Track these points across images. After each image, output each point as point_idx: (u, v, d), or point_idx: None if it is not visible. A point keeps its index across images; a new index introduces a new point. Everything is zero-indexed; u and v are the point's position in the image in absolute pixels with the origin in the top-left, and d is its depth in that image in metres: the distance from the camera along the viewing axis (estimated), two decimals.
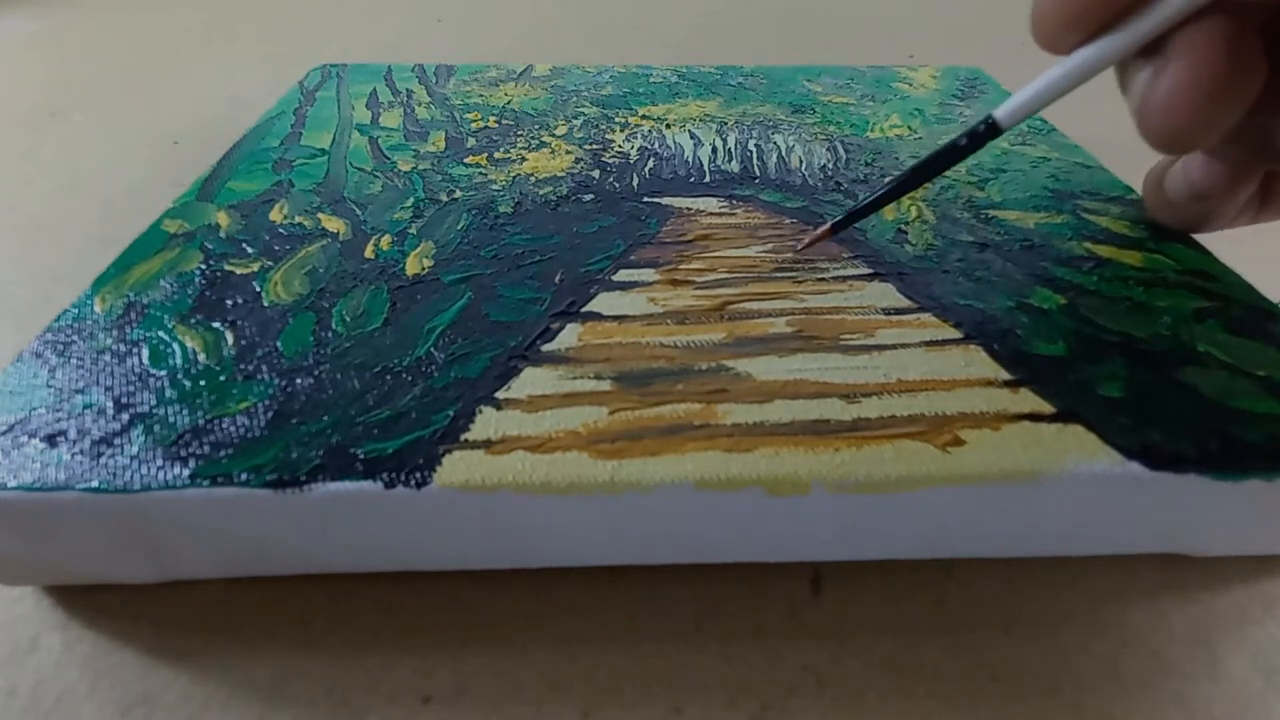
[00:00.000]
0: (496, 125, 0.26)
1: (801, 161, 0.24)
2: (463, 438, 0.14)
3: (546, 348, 0.16)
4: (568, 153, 0.24)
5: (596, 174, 0.23)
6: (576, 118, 0.27)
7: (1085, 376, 0.15)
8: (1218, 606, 0.15)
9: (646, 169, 0.23)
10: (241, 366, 0.15)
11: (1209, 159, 0.18)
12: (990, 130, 0.17)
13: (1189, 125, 0.14)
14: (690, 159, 0.24)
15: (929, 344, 0.16)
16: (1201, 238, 0.20)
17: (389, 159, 0.23)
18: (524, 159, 0.24)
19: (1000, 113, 0.16)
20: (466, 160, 0.23)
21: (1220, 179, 0.18)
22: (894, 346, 0.16)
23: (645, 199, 0.22)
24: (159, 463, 0.13)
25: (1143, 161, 0.20)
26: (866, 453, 0.13)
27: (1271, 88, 0.15)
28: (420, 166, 0.23)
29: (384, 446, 0.13)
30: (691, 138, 0.25)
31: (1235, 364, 0.16)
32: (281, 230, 0.20)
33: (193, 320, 0.16)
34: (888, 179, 0.18)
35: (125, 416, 0.14)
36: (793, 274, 0.18)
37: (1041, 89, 0.16)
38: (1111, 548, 0.15)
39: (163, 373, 0.15)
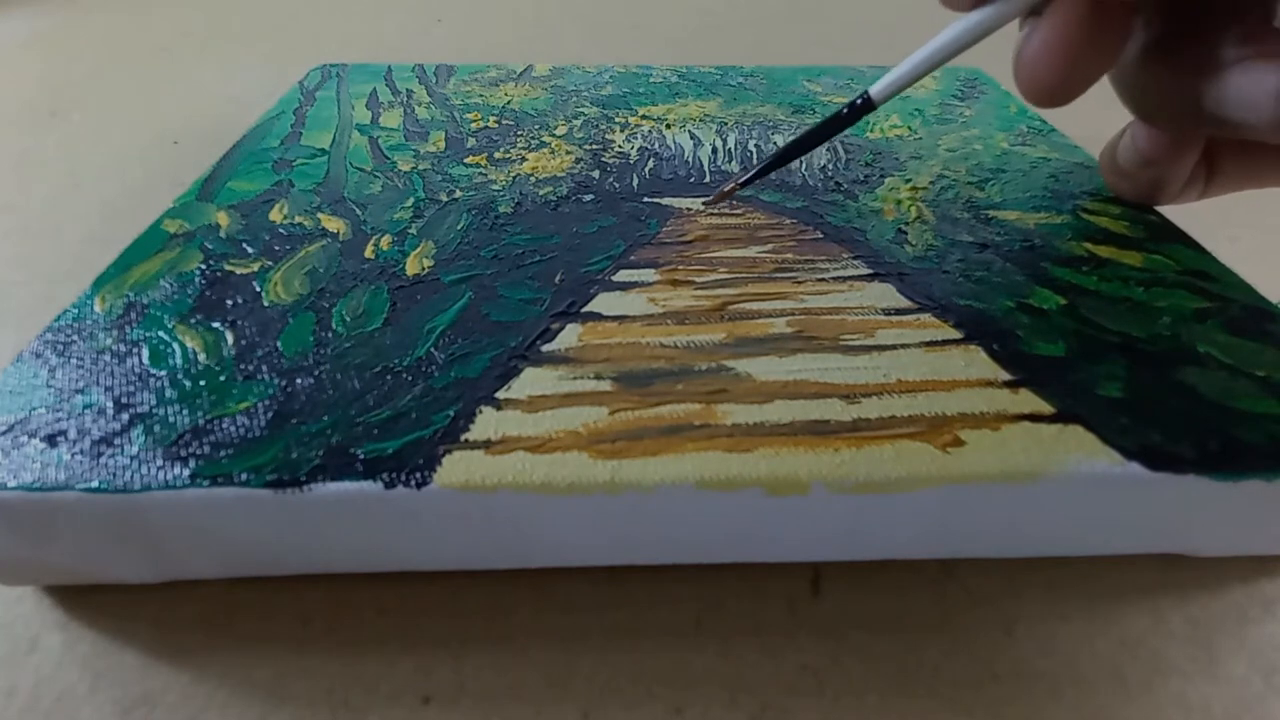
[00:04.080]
0: (496, 125, 0.26)
1: (801, 162, 0.24)
2: (463, 438, 0.14)
3: (546, 348, 0.16)
4: (568, 153, 0.24)
5: (596, 174, 0.23)
6: (576, 118, 0.27)
7: (1085, 376, 0.15)
8: (1217, 606, 0.15)
9: (646, 169, 0.23)
10: (241, 366, 0.15)
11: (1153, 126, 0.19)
12: (866, 104, 0.19)
13: (1051, 79, 0.16)
14: (690, 159, 0.24)
15: (929, 344, 0.16)
16: (1201, 238, 0.20)
17: (389, 159, 0.23)
18: (524, 159, 0.24)
19: (875, 89, 0.18)
20: (466, 160, 0.23)
21: (1163, 144, 0.19)
22: (894, 347, 0.16)
23: (645, 199, 0.22)
24: (159, 463, 0.13)
25: None
26: (866, 453, 0.13)
27: (1190, 54, 0.16)
28: (420, 166, 0.23)
29: (384, 446, 0.13)
30: (691, 138, 0.25)
31: (1235, 364, 0.16)
32: (281, 230, 0.20)
33: (193, 320, 0.16)
34: (783, 143, 0.21)
35: (125, 416, 0.14)
36: (793, 274, 0.18)
37: (911, 66, 0.18)
38: (1111, 548, 0.15)
39: (163, 373, 0.15)
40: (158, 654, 0.14)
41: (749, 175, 0.20)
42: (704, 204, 0.21)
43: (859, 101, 0.19)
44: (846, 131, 0.26)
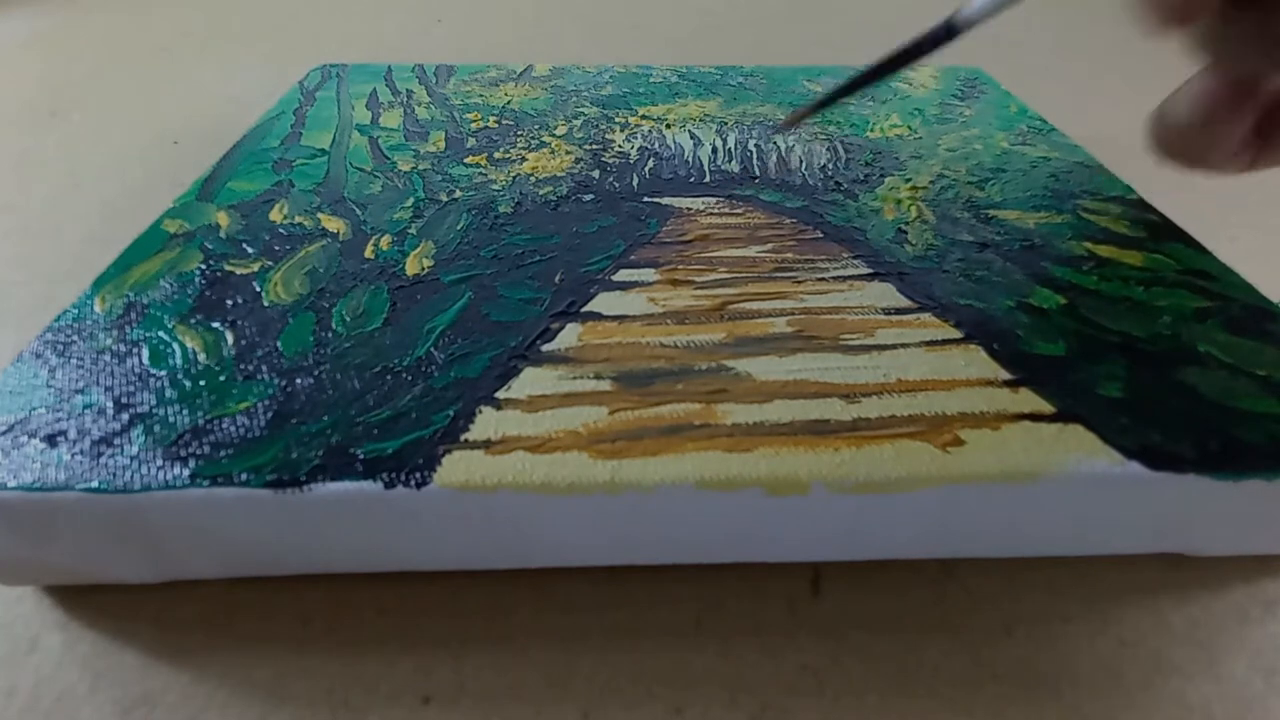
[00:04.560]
0: (496, 125, 0.26)
1: (801, 161, 0.24)
2: (463, 438, 0.14)
3: (546, 348, 0.16)
4: (568, 153, 0.24)
5: (596, 174, 0.23)
6: (576, 118, 0.27)
7: (1085, 376, 0.15)
8: (1218, 606, 0.15)
9: (646, 169, 0.23)
10: (241, 366, 0.15)
11: (1212, 77, 0.19)
12: (949, 31, 0.16)
13: None
14: (690, 159, 0.24)
15: (929, 344, 0.16)
16: (1201, 237, 0.20)
17: (389, 159, 0.23)
18: (524, 159, 0.24)
19: (959, 16, 0.16)
20: (466, 160, 0.23)
21: (1224, 98, 0.19)
22: (894, 346, 0.16)
23: (645, 199, 0.22)
24: (159, 463, 0.13)
25: (1142, 161, 0.20)
26: (866, 453, 0.13)
27: None
28: (420, 166, 0.23)
29: (384, 446, 0.13)
30: (691, 138, 0.25)
31: (1235, 364, 0.16)
32: (281, 230, 0.20)
33: (193, 320, 0.16)
34: (859, 72, 0.19)
35: (125, 416, 0.14)
36: (793, 274, 0.18)
37: None
38: (1111, 548, 0.15)
39: (163, 373, 0.15)
40: (158, 654, 0.14)
41: (827, 96, 0.18)
42: (776, 130, 0.21)
43: (943, 32, 0.16)
44: (845, 131, 0.26)
